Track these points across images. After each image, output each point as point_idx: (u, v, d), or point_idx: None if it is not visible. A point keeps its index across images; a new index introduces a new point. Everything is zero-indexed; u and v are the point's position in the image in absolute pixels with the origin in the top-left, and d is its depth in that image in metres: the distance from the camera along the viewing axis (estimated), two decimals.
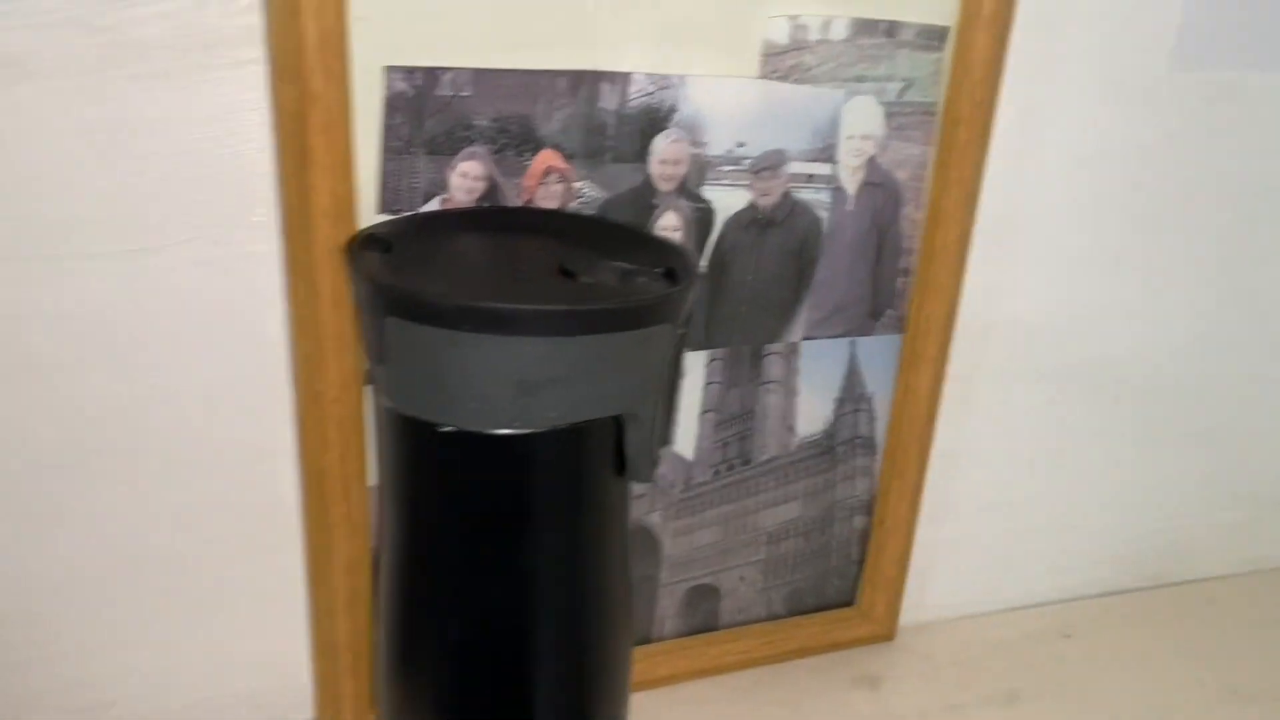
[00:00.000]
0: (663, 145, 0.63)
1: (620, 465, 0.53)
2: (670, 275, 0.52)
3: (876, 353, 0.73)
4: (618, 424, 0.51)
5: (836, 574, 0.80)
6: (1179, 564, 0.90)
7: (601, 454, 0.52)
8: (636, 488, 0.72)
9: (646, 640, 0.75)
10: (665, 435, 0.57)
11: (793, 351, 0.71)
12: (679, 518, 0.73)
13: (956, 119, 0.67)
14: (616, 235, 0.58)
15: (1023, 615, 0.85)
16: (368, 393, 0.59)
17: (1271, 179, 0.80)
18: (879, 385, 0.74)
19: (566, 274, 0.52)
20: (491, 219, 0.59)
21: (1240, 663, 0.82)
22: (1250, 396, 0.87)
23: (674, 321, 0.51)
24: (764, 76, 0.63)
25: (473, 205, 0.60)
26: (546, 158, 0.61)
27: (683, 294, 0.50)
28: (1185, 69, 0.74)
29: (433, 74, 0.57)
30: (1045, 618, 0.85)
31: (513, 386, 0.48)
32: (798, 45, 0.63)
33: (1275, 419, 0.88)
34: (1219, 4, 0.72)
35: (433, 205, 0.59)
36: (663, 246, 0.58)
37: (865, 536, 0.79)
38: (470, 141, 0.59)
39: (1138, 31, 0.72)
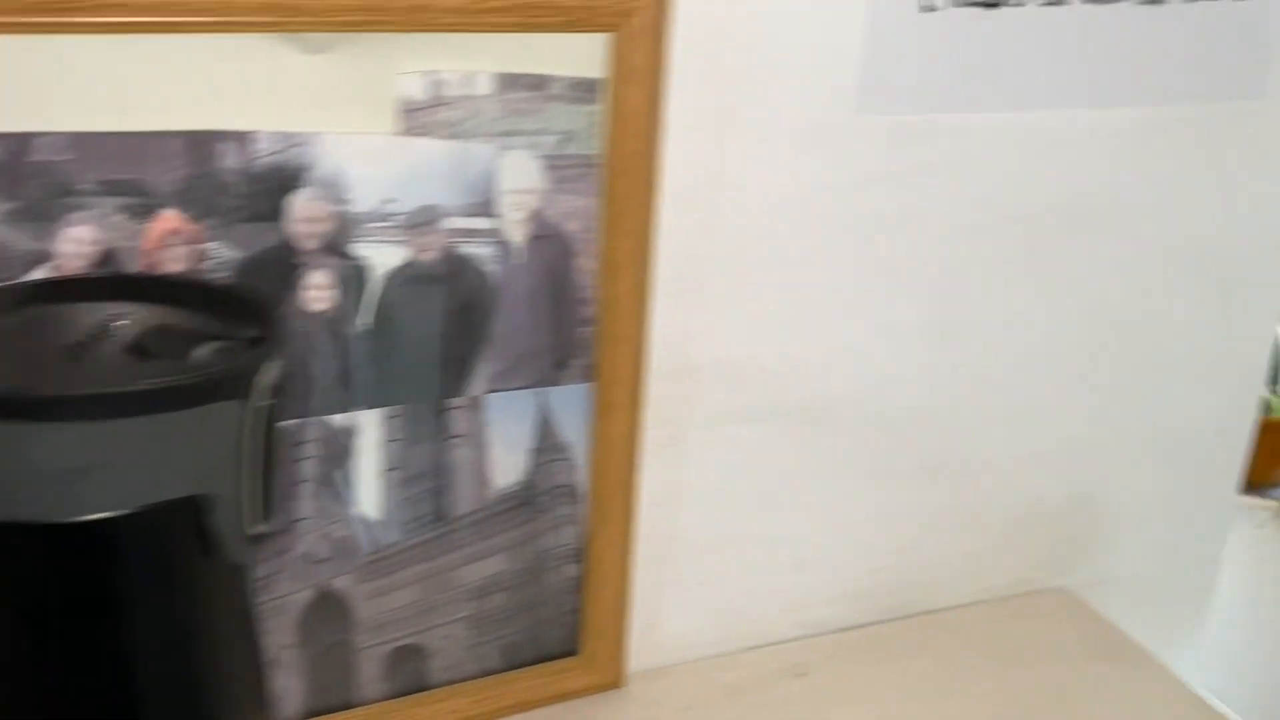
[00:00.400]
0: (299, 204, 0.61)
1: (208, 546, 0.51)
2: (256, 343, 0.51)
3: (568, 402, 0.73)
4: (198, 504, 0.50)
5: (554, 625, 0.79)
6: (919, 595, 0.91)
7: (182, 536, 0.50)
8: (319, 552, 0.70)
9: (347, 706, 0.74)
10: (262, 512, 0.55)
11: (477, 405, 0.70)
12: (371, 579, 0.71)
13: (617, 170, 0.67)
14: (221, 301, 0.56)
15: (759, 655, 0.85)
16: None
17: (975, 215, 0.81)
18: (575, 434, 0.74)
19: (138, 350, 0.50)
20: (90, 288, 0.56)
21: (971, 695, 0.83)
22: (977, 426, 0.88)
23: (242, 397, 0.49)
24: (405, 133, 0.62)
25: (72, 274, 0.57)
26: (167, 220, 0.59)
27: (247, 369, 0.49)
28: (872, 112, 0.75)
29: (23, 139, 0.55)
30: (781, 657, 0.85)
31: (55, 474, 0.46)
32: (438, 101, 0.63)
33: (1003, 447, 0.90)
34: (897, 48, 0.74)
35: (38, 275, 0.57)
36: (258, 315, 0.55)
37: (579, 585, 0.78)
38: (77, 207, 0.57)
39: (818, 77, 0.72)
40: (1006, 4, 0.74)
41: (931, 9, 0.73)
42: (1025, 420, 0.90)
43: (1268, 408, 1.55)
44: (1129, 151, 0.83)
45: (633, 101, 0.65)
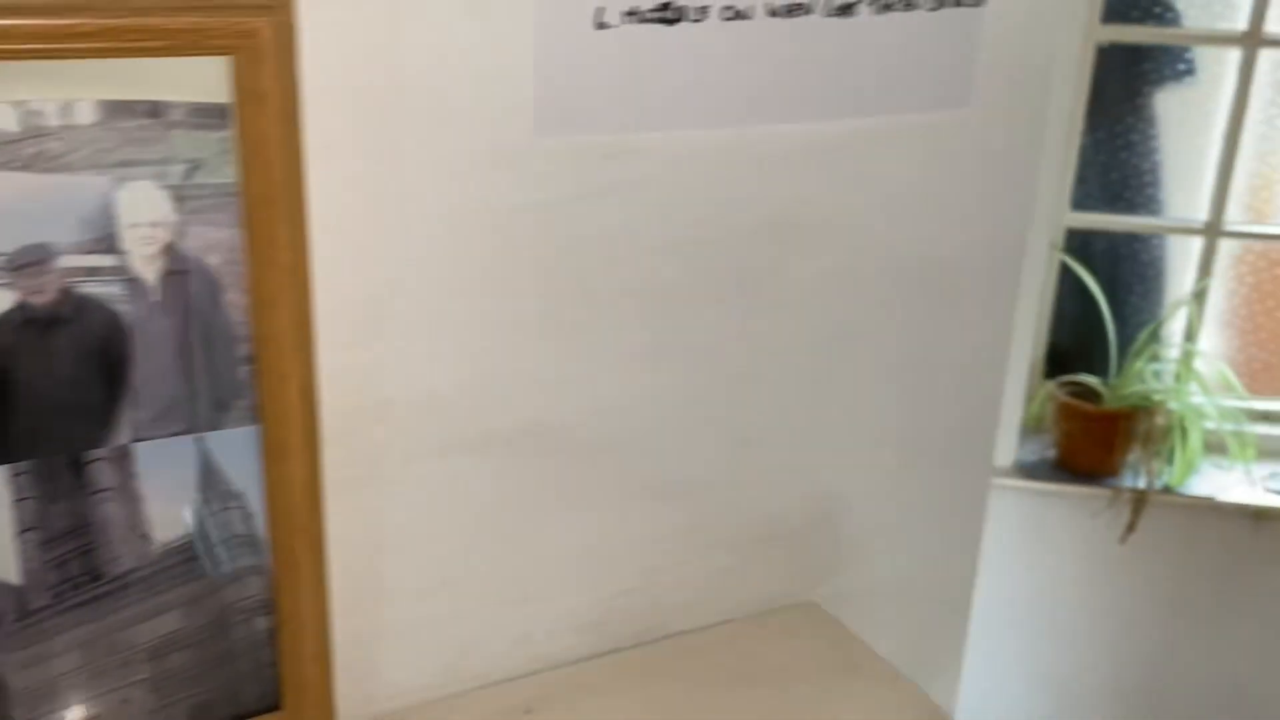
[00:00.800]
0: None
1: None
2: None
3: (234, 447, 0.68)
4: None
5: (251, 680, 0.74)
6: (664, 619, 0.89)
7: None
8: None
9: None
10: None
11: (124, 455, 0.66)
12: (21, 649, 0.66)
13: (256, 200, 0.63)
14: None
15: (485, 695, 0.82)
16: None
17: (688, 233, 0.80)
18: (248, 480, 0.70)
19: None
20: None
21: (707, 719, 0.81)
22: (708, 445, 0.87)
23: None
24: None
25: None
26: None
27: None
28: (551, 133, 0.72)
29: None
30: (509, 695, 0.82)
31: None
32: (36, 132, 0.58)
33: (740, 464, 0.88)
34: (573, 68, 0.71)
35: None
36: None
37: (272, 637, 0.74)
38: None
39: (491, 99, 0.70)
40: (686, 19, 0.73)
41: (605, 26, 0.71)
42: (760, 435, 0.89)
43: (1099, 398, 1.60)
44: (843, 164, 0.83)
45: (264, 127, 0.62)
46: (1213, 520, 1.61)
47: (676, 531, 0.87)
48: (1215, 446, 1.62)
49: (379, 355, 0.71)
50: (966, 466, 0.99)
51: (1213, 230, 1.61)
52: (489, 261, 0.73)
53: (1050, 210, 1.55)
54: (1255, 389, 1.72)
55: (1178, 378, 1.64)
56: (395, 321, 0.71)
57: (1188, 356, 1.67)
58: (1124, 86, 1.61)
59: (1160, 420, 1.62)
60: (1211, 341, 1.68)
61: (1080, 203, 1.63)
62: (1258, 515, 1.57)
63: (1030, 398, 1.66)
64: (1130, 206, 1.66)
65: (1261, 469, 1.61)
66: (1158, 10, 1.54)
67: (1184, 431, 1.62)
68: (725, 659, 0.86)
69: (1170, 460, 1.61)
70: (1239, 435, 1.59)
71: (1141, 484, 1.60)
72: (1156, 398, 1.61)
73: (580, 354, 0.78)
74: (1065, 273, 1.62)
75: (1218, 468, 1.65)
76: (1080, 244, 1.67)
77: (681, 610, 0.89)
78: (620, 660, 0.85)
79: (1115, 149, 1.64)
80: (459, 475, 0.77)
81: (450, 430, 0.75)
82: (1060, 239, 1.63)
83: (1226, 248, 1.64)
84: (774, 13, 0.73)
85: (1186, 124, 1.63)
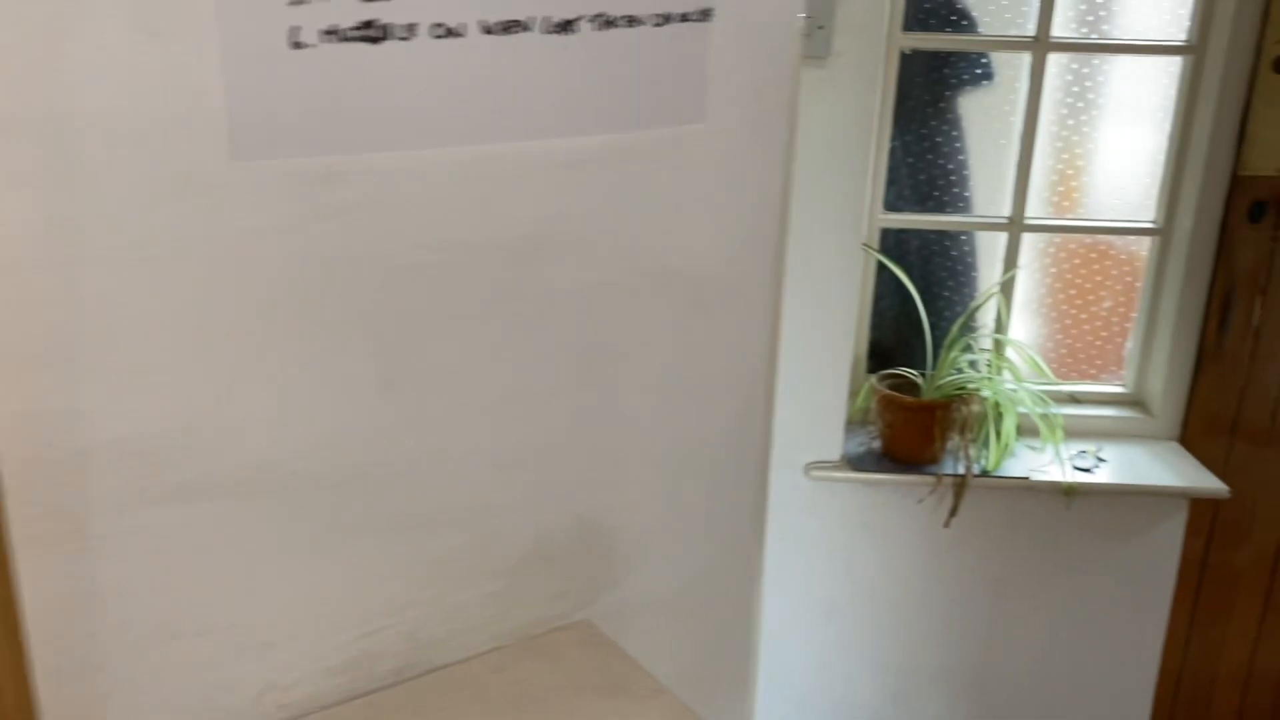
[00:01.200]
0: None
1: None
2: None
3: None
4: None
5: None
6: (427, 653, 0.86)
7: None
8: None
9: None
10: None
11: None
12: None
13: None
14: None
15: None
16: None
17: (418, 255, 0.77)
18: None
19: None
20: None
21: None
22: (456, 472, 0.84)
23: None
24: None
25: None
26: None
27: None
28: (249, 158, 0.68)
29: None
30: None
31: None
32: None
33: (496, 488, 0.86)
34: (268, 89, 0.67)
35: None
36: None
37: None
38: None
39: (179, 124, 0.66)
40: (392, 37, 0.70)
41: (302, 46, 0.68)
42: (519, 457, 0.87)
43: (918, 390, 1.65)
44: (584, 181, 0.82)
45: None
46: (1029, 500, 1.69)
47: (433, 561, 0.84)
48: (1028, 430, 1.70)
49: (66, 402, 0.66)
50: (739, 475, 0.99)
51: (1016, 225, 1.67)
52: (192, 295, 0.69)
53: (863, 211, 1.59)
54: (1062, 373, 1.81)
55: (990, 366, 1.71)
56: (85, 365, 0.66)
57: (999, 345, 1.74)
58: (928, 91, 1.67)
59: (975, 408, 1.68)
60: (1022, 330, 1.76)
61: (892, 203, 1.67)
62: (1068, 492, 1.65)
63: (854, 392, 1.71)
64: (940, 205, 1.71)
65: (1069, 449, 1.70)
66: (954, 18, 1.60)
67: (998, 417, 1.69)
68: (490, 688, 0.84)
69: (987, 445, 1.68)
70: (1048, 418, 1.67)
71: (961, 470, 1.66)
72: (971, 386, 1.66)
73: (306, 387, 0.75)
74: (884, 271, 1.67)
75: (1031, 449, 1.72)
76: (895, 243, 1.73)
77: (445, 642, 0.86)
78: (378, 701, 0.82)
79: (923, 151, 1.69)
80: (181, 522, 0.72)
81: (165, 476, 0.71)
82: (875, 239, 1.68)
83: (1030, 241, 1.71)
84: (489, 30, 0.71)
85: (988, 125, 1.69)
